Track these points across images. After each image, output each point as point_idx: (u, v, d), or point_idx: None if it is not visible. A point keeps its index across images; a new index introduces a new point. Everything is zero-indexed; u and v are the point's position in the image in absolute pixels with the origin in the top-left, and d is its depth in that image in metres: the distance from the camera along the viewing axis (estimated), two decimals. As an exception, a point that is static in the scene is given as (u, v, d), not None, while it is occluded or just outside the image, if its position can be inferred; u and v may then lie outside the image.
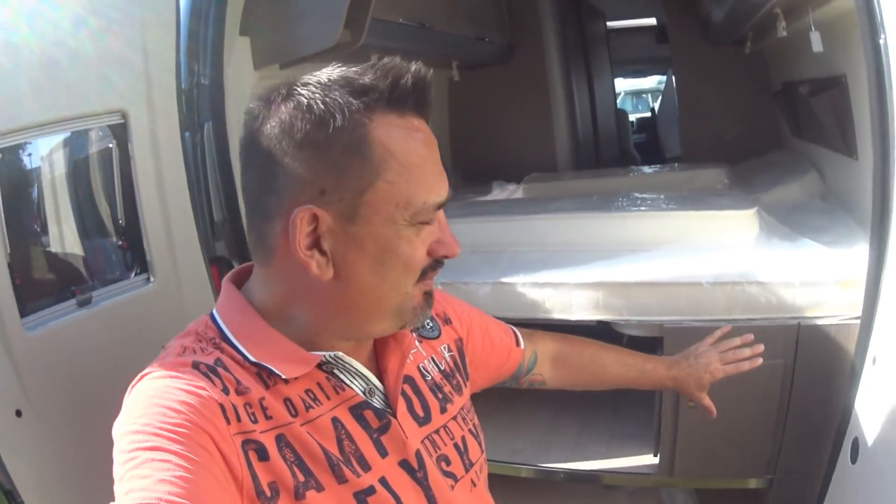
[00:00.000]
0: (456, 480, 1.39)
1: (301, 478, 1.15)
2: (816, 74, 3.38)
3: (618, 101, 12.47)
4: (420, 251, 1.21)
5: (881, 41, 1.88)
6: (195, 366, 1.16)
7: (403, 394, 1.37)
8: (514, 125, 5.37)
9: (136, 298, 2.45)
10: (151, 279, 2.51)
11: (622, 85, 12.91)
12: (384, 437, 1.28)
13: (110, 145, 2.49)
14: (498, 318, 2.47)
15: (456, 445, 1.44)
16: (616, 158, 6.93)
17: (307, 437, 1.19)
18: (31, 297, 2.27)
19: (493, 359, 1.83)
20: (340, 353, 1.29)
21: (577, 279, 2.71)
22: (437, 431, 1.41)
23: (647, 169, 5.12)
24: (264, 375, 1.21)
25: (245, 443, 1.11)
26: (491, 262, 2.93)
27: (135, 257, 2.54)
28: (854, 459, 2.05)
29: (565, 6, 6.08)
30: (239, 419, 1.12)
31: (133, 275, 2.50)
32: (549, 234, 3.01)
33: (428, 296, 1.29)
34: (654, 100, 11.61)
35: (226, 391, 1.14)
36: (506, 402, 3.44)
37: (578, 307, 2.73)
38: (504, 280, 2.80)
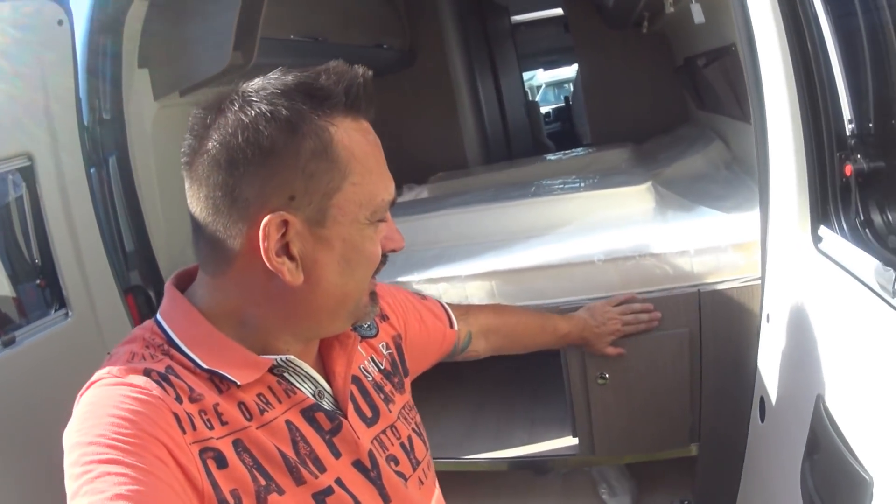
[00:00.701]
0: (406, 480, 1.44)
1: (262, 481, 1.16)
2: (710, 46, 3.43)
3: (539, 92, 12.61)
4: (377, 248, 1.28)
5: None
6: (147, 373, 1.15)
7: (351, 395, 1.40)
8: (422, 127, 5.42)
9: (56, 334, 2.45)
10: (69, 314, 2.51)
11: (543, 77, 13.02)
12: (336, 438, 1.31)
13: (20, 187, 2.50)
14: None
15: (402, 445, 1.49)
16: (529, 150, 6.96)
17: (264, 440, 1.20)
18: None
19: (430, 346, 1.93)
20: (292, 357, 1.31)
21: (469, 271, 2.73)
22: (384, 431, 1.45)
23: (552, 156, 5.13)
24: (217, 381, 1.21)
25: (203, 451, 1.12)
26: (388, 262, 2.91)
27: (53, 294, 2.54)
28: (762, 418, 2.12)
29: (465, 6, 6.12)
30: (194, 427, 1.12)
31: (52, 311, 2.50)
32: (443, 231, 3.04)
33: (373, 293, 1.36)
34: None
35: (179, 399, 1.14)
36: (426, 398, 3.43)
37: (474, 297, 2.74)
38: (400, 279, 2.80)
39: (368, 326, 1.60)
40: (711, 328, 2.55)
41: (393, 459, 1.43)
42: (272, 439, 1.21)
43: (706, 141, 3.79)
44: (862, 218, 1.69)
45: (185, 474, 1.07)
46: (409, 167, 4.81)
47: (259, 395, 1.25)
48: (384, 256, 1.32)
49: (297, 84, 1.20)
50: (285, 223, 1.18)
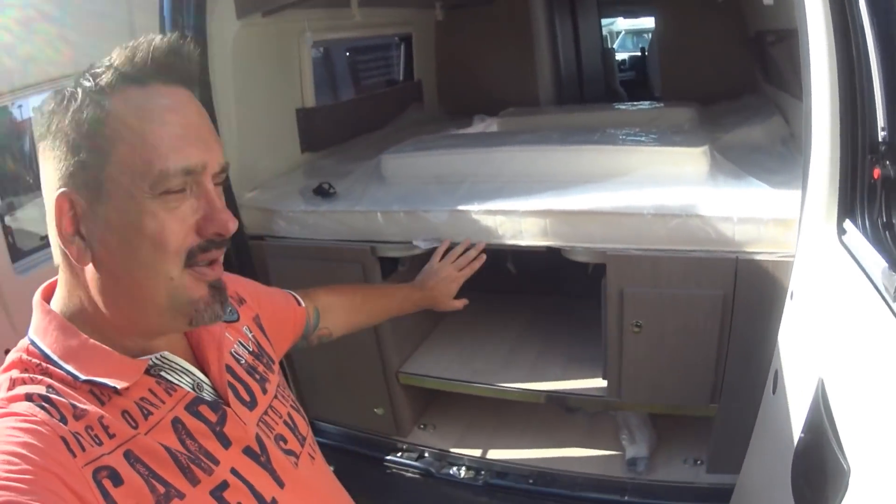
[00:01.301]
0: (297, 458, 1.46)
1: (160, 489, 1.14)
2: (779, 26, 3.47)
3: (617, 38, 12.53)
4: (171, 227, 1.18)
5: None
6: (28, 398, 1.12)
7: (228, 382, 1.39)
8: (497, 63, 5.39)
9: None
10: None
11: (623, 24, 12.93)
12: (225, 428, 1.31)
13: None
14: (454, 243, 2.85)
15: (286, 422, 1.51)
16: (601, 95, 6.95)
17: (154, 445, 1.18)
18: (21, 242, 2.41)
19: (285, 324, 1.91)
20: (167, 353, 1.31)
21: (526, 207, 2.79)
22: (265, 412, 1.46)
23: (620, 106, 5.11)
24: (97, 392, 1.18)
25: (96, 472, 1.09)
26: (450, 192, 3.03)
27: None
28: (774, 389, 2.16)
29: (551, -56, 6.07)
30: (83, 448, 1.09)
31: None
32: (505, 166, 3.08)
33: (215, 289, 1.27)
34: (653, 39, 11.40)
35: (64, 420, 1.11)
36: (469, 325, 3.68)
37: (527, 233, 2.83)
38: (460, 208, 2.89)
39: (230, 311, 1.59)
40: (744, 295, 2.60)
41: (281, 438, 1.45)
42: (162, 442, 1.19)
43: (767, 114, 3.79)
44: (884, 220, 1.74)
45: (81, 503, 1.04)
46: (483, 100, 4.94)
47: (141, 399, 1.22)
48: (209, 242, 1.23)
49: (103, 62, 1.18)
50: (70, 201, 1.16)
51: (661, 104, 4.79)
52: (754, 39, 4.34)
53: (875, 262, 1.59)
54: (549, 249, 2.86)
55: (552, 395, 3.21)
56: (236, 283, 1.73)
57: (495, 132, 4.28)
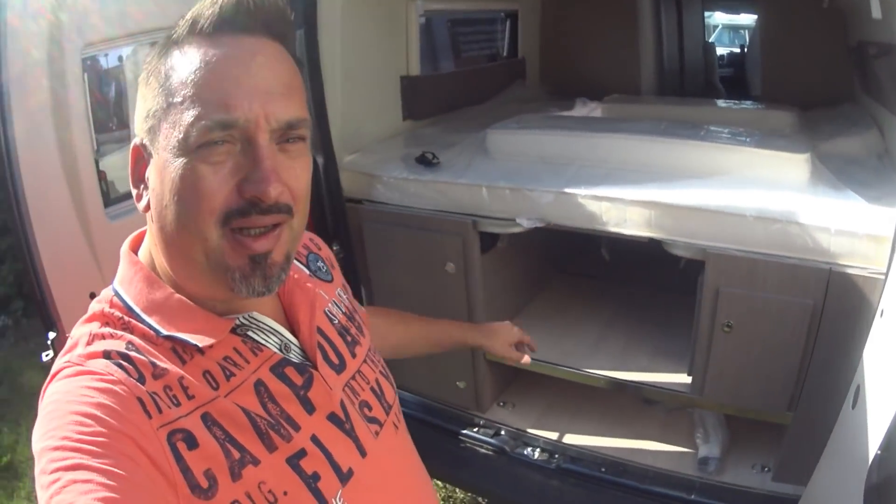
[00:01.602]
0: (381, 426, 1.40)
1: (235, 455, 1.11)
2: (883, 39, 3.41)
3: (714, 33, 12.37)
4: (208, 183, 1.09)
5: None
6: (107, 355, 1.10)
7: (318, 343, 1.33)
8: (601, 47, 5.38)
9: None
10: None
11: (721, 18, 12.77)
12: (310, 392, 1.26)
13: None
14: (558, 227, 2.98)
15: (372, 389, 1.43)
16: (701, 89, 6.90)
17: (234, 408, 1.14)
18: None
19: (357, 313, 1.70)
20: (255, 313, 1.26)
21: (632, 196, 2.80)
22: (353, 377, 1.40)
23: (722, 103, 5.08)
24: (179, 350, 1.16)
25: (171, 434, 1.06)
26: (557, 172, 3.04)
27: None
28: (854, 405, 2.12)
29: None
30: (160, 410, 1.07)
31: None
32: (614, 153, 3.09)
33: (256, 263, 1.15)
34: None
35: (142, 379, 1.08)
36: (560, 307, 3.77)
37: (631, 223, 2.84)
38: (566, 190, 2.91)
39: (325, 271, 1.55)
40: (832, 307, 2.58)
41: (366, 405, 1.39)
42: (242, 405, 1.15)
43: (865, 126, 3.76)
44: None
45: (155, 466, 1.02)
46: (585, 84, 5.00)
47: (225, 359, 1.19)
48: (250, 204, 1.11)
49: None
50: (140, 150, 1.16)
51: (762, 105, 4.76)
52: (856, 49, 4.28)
53: None
54: (651, 240, 2.87)
55: (637, 386, 3.23)
56: (328, 250, 1.68)
57: (601, 118, 4.28)
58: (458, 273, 3.23)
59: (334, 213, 3.26)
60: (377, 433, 1.37)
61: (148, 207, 1.17)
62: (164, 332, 1.15)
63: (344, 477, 1.24)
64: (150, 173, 1.15)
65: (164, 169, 1.10)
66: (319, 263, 1.56)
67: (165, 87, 1.11)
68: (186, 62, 1.10)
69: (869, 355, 2.11)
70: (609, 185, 2.90)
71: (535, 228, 3.01)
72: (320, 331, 1.37)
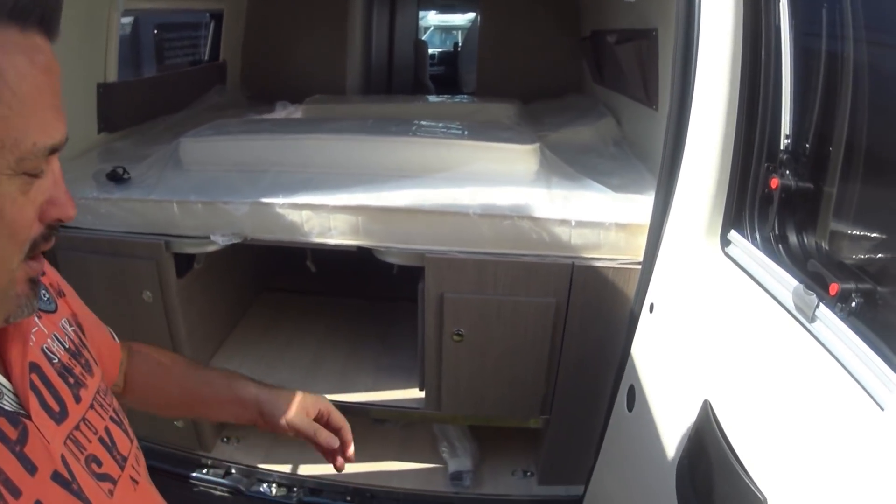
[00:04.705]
0: (114, 483, 1.14)
1: None
2: (626, 26, 3.31)
3: (426, 34, 12.38)
4: (28, 213, 0.92)
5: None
6: None
7: (33, 386, 1.06)
8: (307, 47, 5.09)
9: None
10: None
11: (433, 19, 12.77)
12: (27, 448, 0.99)
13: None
14: (257, 241, 2.64)
15: (101, 440, 1.16)
16: (409, 87, 6.85)
17: None
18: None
19: (103, 348, 1.44)
20: None
21: (336, 202, 2.51)
22: (77, 427, 1.12)
23: (435, 98, 5.01)
24: None
25: None
26: (253, 181, 2.70)
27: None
28: (630, 407, 2.08)
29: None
30: None
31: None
32: (315, 156, 2.79)
33: (34, 283, 0.98)
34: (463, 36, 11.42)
35: None
36: (269, 329, 3.46)
37: (337, 231, 2.55)
38: (264, 200, 2.56)
39: (47, 299, 1.26)
40: (580, 303, 2.49)
41: (94, 460, 1.12)
42: None
43: (598, 115, 3.72)
44: (777, 232, 1.65)
45: None
46: (289, 86, 4.66)
47: None
48: (49, 229, 0.96)
49: None
50: None
51: (477, 99, 4.65)
52: (590, 38, 4.18)
53: (776, 276, 1.53)
54: (360, 249, 2.62)
55: (364, 408, 2.96)
56: (55, 274, 1.36)
57: (301, 119, 3.96)
58: (156, 302, 2.82)
59: (30, 247, 2.75)
60: (111, 492, 1.12)
61: None
62: None
63: None
64: None
65: None
66: (41, 290, 1.21)
67: None
68: (11, 62, 0.87)
69: (640, 353, 2.10)
70: (310, 191, 2.59)
71: (234, 244, 2.69)
72: (37, 368, 1.10)
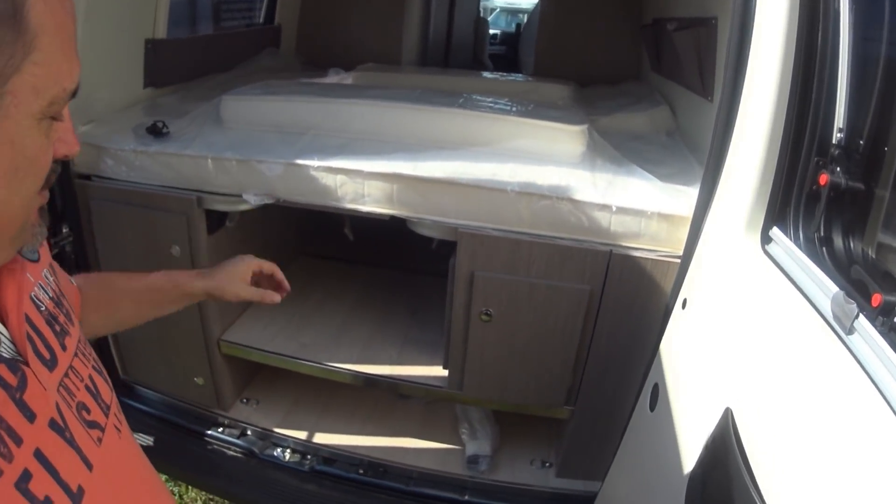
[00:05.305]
0: (102, 431, 1.13)
1: None
2: (686, 14, 3.21)
3: (491, 15, 12.31)
4: (49, 153, 0.94)
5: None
6: None
7: (27, 334, 1.04)
8: (365, 15, 4.98)
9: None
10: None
11: (500, 2, 12.68)
12: (26, 395, 0.96)
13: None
14: (288, 203, 2.58)
15: (88, 388, 1.16)
16: (468, 64, 6.72)
17: None
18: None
19: (70, 297, 1.44)
20: None
21: (372, 168, 2.42)
22: (66, 374, 1.12)
23: (489, 75, 4.90)
24: None
25: None
26: (290, 142, 2.63)
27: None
28: (653, 406, 1.99)
29: None
30: None
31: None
32: (354, 121, 2.71)
33: (43, 210, 1.01)
34: (530, 20, 11.31)
35: None
36: (300, 292, 3.34)
37: (371, 198, 2.47)
38: (298, 162, 2.49)
39: (31, 250, 1.23)
40: (615, 294, 2.38)
41: (83, 407, 1.12)
42: None
43: (653, 103, 3.58)
44: (822, 234, 1.54)
45: None
46: (345, 55, 4.62)
47: None
48: (55, 164, 0.98)
49: None
50: None
51: (533, 78, 4.51)
52: (650, 26, 4.06)
53: (818, 281, 1.41)
54: (393, 219, 2.54)
55: (386, 381, 2.90)
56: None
57: (349, 85, 3.86)
58: (184, 257, 2.78)
59: (63, 191, 2.82)
60: (100, 440, 1.11)
61: None
62: None
63: (75, 498, 0.98)
64: None
65: (12, 140, 0.86)
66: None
67: (23, 35, 0.84)
68: (52, 8, 0.87)
69: (668, 350, 2.00)
70: (346, 155, 2.52)
71: (268, 206, 2.64)
72: (28, 318, 1.07)
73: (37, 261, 1.23)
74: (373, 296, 3.58)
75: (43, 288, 1.20)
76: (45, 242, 1.31)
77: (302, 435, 3.04)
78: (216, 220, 2.80)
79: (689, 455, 1.59)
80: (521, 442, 3.01)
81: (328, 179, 2.48)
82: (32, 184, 0.93)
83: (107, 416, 1.17)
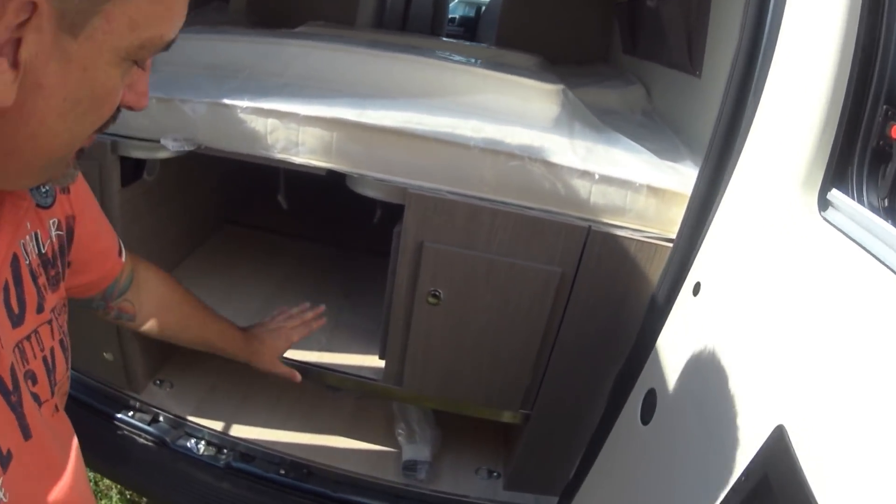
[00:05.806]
0: (40, 405, 1.06)
1: None
2: None
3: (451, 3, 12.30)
4: (118, 96, 0.85)
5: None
6: None
7: (4, 282, 0.99)
8: None
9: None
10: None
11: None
12: None
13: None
14: (212, 150, 2.29)
15: (45, 359, 1.08)
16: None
17: None
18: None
19: (94, 260, 1.40)
20: None
21: (309, 111, 2.12)
22: (28, 337, 1.04)
23: (451, 40, 4.77)
24: None
25: None
26: (219, 83, 2.34)
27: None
28: (646, 418, 1.73)
29: None
30: None
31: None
32: (294, 63, 2.42)
33: (81, 152, 0.92)
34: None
35: None
36: (224, 264, 3.26)
37: (305, 148, 2.15)
38: (225, 101, 2.19)
39: (46, 192, 1.14)
40: (591, 278, 2.11)
41: (31, 377, 1.03)
42: None
43: (626, 81, 3.48)
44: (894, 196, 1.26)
45: None
46: (292, 13, 4.44)
47: None
48: (117, 111, 0.88)
49: None
50: (33, 5, 0.71)
51: (498, 48, 4.37)
52: (627, 4, 3.92)
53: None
54: (329, 174, 2.23)
55: (313, 369, 2.60)
56: None
57: (294, 31, 3.54)
58: None
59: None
60: (38, 412, 1.06)
61: (4, 95, 0.72)
62: None
63: (4, 460, 0.90)
64: (40, 53, 0.73)
65: (86, 68, 0.77)
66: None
67: None
68: None
69: (671, 350, 1.72)
70: (282, 97, 2.20)
71: (193, 166, 2.47)
72: (15, 260, 1.03)
73: (48, 207, 1.15)
74: (303, 273, 3.33)
75: (38, 239, 1.11)
76: (73, 196, 1.25)
77: (218, 426, 2.78)
78: (132, 170, 2.50)
79: (715, 485, 1.28)
80: (467, 447, 2.81)
81: (257, 123, 2.18)
82: (90, 123, 0.85)
83: (52, 393, 1.11)
